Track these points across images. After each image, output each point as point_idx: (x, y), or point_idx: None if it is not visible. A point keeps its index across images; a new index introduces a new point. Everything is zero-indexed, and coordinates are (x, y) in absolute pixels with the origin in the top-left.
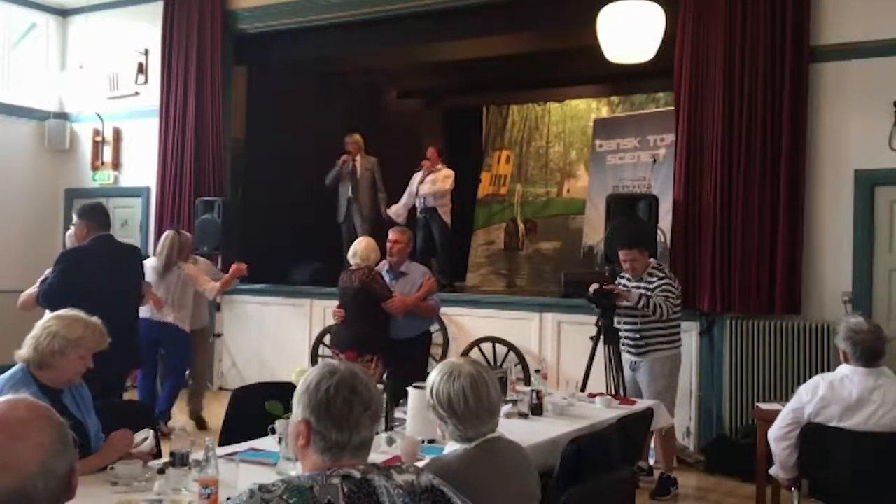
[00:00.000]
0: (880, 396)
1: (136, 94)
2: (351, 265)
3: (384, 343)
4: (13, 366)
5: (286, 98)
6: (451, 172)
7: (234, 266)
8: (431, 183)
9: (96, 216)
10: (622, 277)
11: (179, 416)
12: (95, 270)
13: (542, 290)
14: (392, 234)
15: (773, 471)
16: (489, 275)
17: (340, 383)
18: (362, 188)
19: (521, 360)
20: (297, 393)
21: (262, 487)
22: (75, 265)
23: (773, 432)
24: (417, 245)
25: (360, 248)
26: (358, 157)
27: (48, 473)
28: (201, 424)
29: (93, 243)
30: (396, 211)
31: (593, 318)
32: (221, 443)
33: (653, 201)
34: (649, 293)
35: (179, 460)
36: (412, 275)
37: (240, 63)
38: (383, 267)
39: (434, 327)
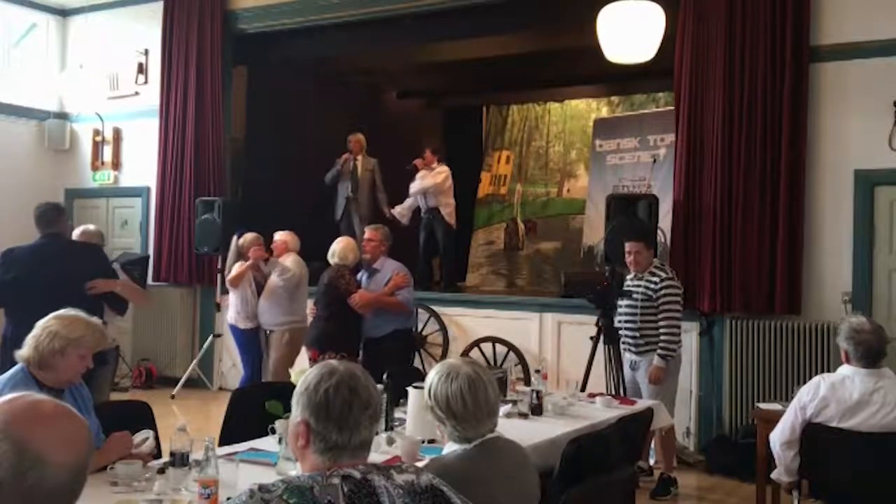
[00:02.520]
0: (881, 398)
1: (136, 94)
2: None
3: (350, 341)
4: None
5: (286, 98)
6: (444, 170)
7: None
8: (420, 179)
9: (38, 217)
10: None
11: (183, 416)
12: (24, 269)
13: (542, 290)
14: (367, 232)
15: (775, 475)
16: (489, 275)
17: (340, 384)
18: (362, 188)
19: (521, 360)
20: (296, 393)
21: (262, 487)
22: (2, 264)
23: (779, 437)
24: (420, 245)
25: (338, 248)
26: (359, 157)
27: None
28: None
29: (34, 242)
30: (401, 211)
31: (593, 318)
32: (221, 443)
33: (653, 201)
34: (656, 301)
35: (179, 460)
36: (384, 271)
37: (240, 63)
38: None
39: (434, 327)
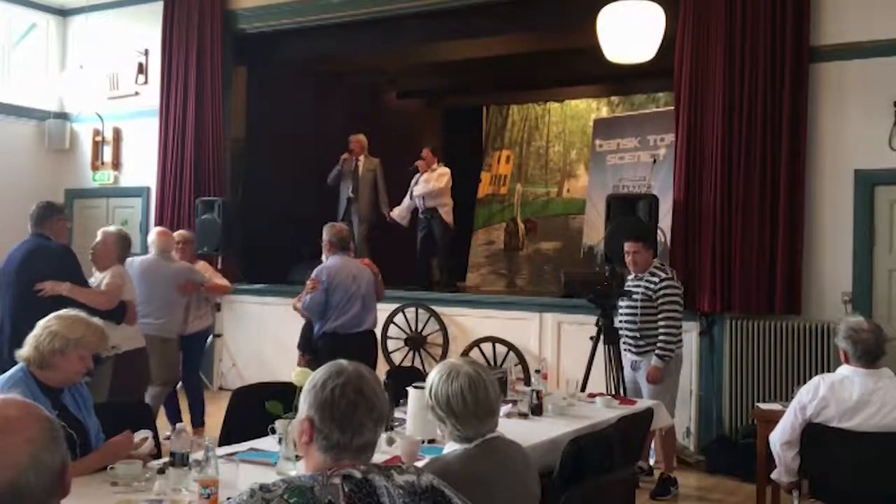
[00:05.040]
0: (881, 398)
1: (136, 94)
2: None
3: (308, 341)
4: None
5: (286, 98)
6: (446, 171)
7: None
8: (425, 182)
9: (30, 216)
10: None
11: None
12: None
13: (542, 290)
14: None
15: (775, 475)
16: (489, 275)
17: (346, 384)
18: (363, 188)
19: (521, 360)
20: (304, 390)
21: (262, 487)
22: None
23: (779, 437)
24: (418, 245)
25: None
26: (361, 158)
27: (40, 467)
28: None
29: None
30: (400, 213)
31: (593, 318)
32: (221, 443)
33: (653, 201)
34: (655, 298)
35: (179, 460)
36: None
37: (240, 63)
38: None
39: (434, 327)
